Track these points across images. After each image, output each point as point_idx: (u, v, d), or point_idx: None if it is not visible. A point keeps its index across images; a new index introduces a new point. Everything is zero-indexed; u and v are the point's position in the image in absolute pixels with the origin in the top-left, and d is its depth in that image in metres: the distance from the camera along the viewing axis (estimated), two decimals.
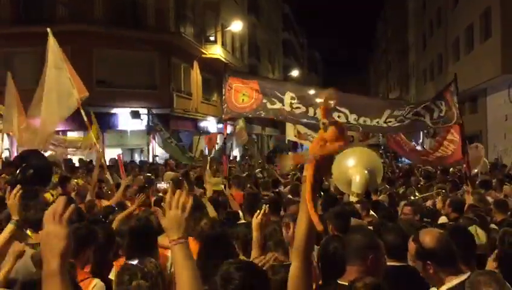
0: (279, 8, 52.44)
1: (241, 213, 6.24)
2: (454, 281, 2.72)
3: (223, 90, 8.33)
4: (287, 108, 8.03)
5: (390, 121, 7.69)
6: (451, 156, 9.06)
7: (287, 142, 18.85)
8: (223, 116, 8.53)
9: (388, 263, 3.49)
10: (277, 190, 9.29)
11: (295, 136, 13.38)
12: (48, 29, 8.74)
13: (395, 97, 55.71)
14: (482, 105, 25.42)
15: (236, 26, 28.56)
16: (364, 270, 2.77)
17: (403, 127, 8.03)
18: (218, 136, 19.16)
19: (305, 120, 8.09)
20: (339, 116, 7.57)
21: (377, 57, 75.02)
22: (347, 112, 7.64)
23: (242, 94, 8.24)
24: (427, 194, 8.88)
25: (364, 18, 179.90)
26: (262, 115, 8.44)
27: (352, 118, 7.61)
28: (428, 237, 2.84)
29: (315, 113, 7.73)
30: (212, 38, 28.10)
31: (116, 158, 11.66)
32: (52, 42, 8.70)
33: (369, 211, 6.32)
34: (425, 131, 15.26)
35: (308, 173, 2.08)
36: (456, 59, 28.15)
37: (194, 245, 4.10)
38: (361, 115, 7.66)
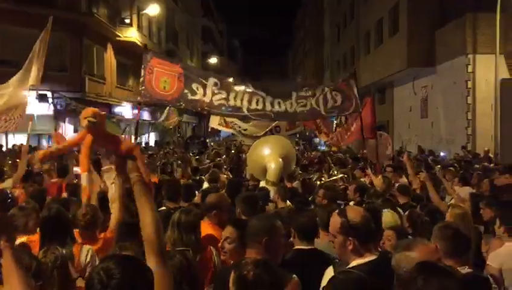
0: None
1: None
2: (367, 258, 2.83)
3: (142, 71, 8.05)
4: (207, 99, 8.10)
5: (299, 103, 8.50)
6: (354, 133, 10.44)
7: (210, 129, 18.93)
8: (139, 98, 8.28)
9: (297, 247, 3.62)
10: (197, 178, 9.19)
11: (219, 124, 13.39)
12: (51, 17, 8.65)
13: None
14: (389, 96, 26.98)
15: (153, 9, 27.76)
16: (262, 253, 2.84)
17: (305, 113, 8.83)
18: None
19: (222, 109, 8.27)
20: (257, 100, 8.21)
21: (296, 46, 76.56)
22: (264, 94, 8.30)
23: (164, 81, 8.06)
24: (332, 178, 9.29)
25: (285, 6, 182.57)
26: (182, 106, 8.41)
27: (268, 100, 8.29)
28: (354, 213, 2.90)
29: (235, 101, 8.23)
30: (127, 21, 27.10)
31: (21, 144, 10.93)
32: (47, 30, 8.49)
33: (285, 198, 6.43)
34: (336, 120, 16.42)
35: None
36: (367, 52, 29.54)
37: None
38: (276, 97, 8.38)
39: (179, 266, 3.07)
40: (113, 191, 5.17)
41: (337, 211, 3.02)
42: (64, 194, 6.70)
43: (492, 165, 12.73)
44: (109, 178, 5.28)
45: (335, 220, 2.93)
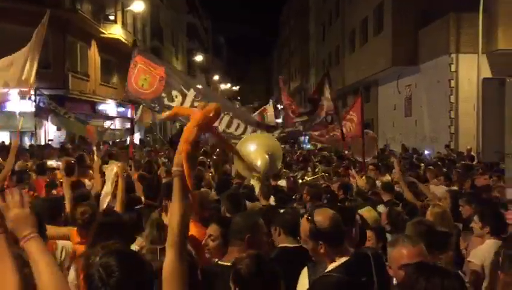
0: None
1: None
2: (342, 259, 2.84)
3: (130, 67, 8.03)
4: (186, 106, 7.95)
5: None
6: (349, 133, 10.31)
7: None
8: (124, 94, 8.25)
9: (282, 244, 3.63)
10: None
11: None
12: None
13: (296, 87, 57.63)
14: (374, 95, 27.20)
15: (138, 6, 27.53)
16: (244, 250, 2.85)
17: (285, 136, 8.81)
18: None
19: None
20: (237, 125, 8.12)
21: (281, 44, 76.64)
22: (244, 125, 8.16)
23: (143, 78, 7.88)
24: (314, 177, 9.34)
25: (271, 3, 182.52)
26: (156, 109, 8.25)
27: (249, 129, 8.15)
28: (322, 217, 2.87)
29: None
30: (111, 18, 26.81)
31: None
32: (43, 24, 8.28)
33: (268, 196, 6.44)
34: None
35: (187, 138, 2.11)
36: (352, 51, 29.72)
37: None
38: (258, 129, 8.34)
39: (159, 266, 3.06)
40: (108, 187, 5.19)
41: (306, 215, 2.99)
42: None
43: (475, 163, 12.93)
44: (109, 174, 5.29)
45: (304, 226, 2.92)
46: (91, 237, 3.46)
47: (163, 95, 7.83)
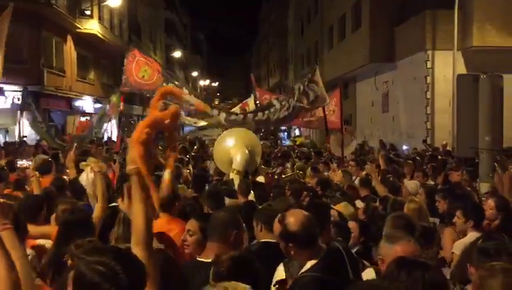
0: None
1: None
2: (313, 261, 2.84)
3: (125, 60, 8.24)
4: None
5: (283, 107, 8.67)
6: (331, 122, 10.39)
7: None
8: (121, 87, 8.50)
9: (263, 239, 3.65)
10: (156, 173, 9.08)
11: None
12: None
13: (275, 83, 57.66)
14: (352, 91, 27.41)
15: (114, 1, 27.11)
16: (225, 247, 2.85)
17: (290, 115, 8.95)
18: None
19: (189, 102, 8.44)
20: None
21: (260, 40, 76.55)
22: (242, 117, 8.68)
23: (144, 70, 8.36)
24: (290, 174, 9.35)
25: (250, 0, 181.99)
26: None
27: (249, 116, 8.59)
28: (292, 220, 2.86)
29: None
30: (88, 13, 26.40)
31: None
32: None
33: (246, 192, 6.43)
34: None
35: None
36: (330, 47, 29.88)
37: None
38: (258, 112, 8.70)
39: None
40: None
41: (278, 216, 2.97)
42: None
43: (451, 158, 13.15)
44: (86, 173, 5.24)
45: (276, 227, 2.94)
46: (56, 235, 3.43)
47: (164, 84, 8.14)
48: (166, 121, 2.16)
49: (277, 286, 2.98)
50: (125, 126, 19.37)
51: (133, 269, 1.72)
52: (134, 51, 8.45)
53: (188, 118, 11.54)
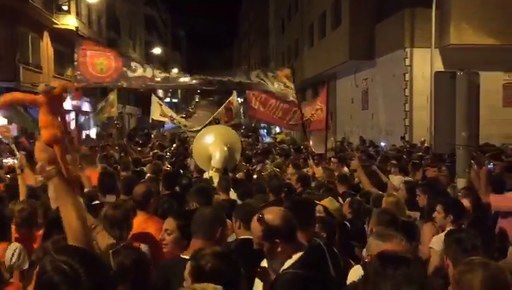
0: None
1: None
2: (298, 254, 2.81)
3: (75, 55, 7.86)
4: (148, 74, 7.96)
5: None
6: (316, 122, 10.35)
7: (151, 121, 18.29)
8: (75, 83, 8.13)
9: (242, 236, 3.62)
10: (138, 169, 8.98)
11: (160, 115, 13.07)
12: None
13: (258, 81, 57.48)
14: (332, 88, 27.51)
15: None
16: (210, 244, 2.82)
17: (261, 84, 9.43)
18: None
19: (164, 86, 8.36)
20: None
21: (241, 37, 76.34)
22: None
23: (100, 63, 7.92)
24: (269, 171, 9.33)
25: None
26: (124, 86, 8.25)
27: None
28: (272, 216, 2.80)
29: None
30: (65, 8, 25.95)
31: None
32: None
33: (227, 189, 6.39)
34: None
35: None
36: (311, 44, 29.99)
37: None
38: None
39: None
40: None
41: (255, 217, 2.87)
42: None
43: (425, 154, 13.31)
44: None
45: (256, 228, 2.82)
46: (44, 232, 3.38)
47: (125, 69, 7.88)
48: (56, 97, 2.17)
49: (260, 269, 2.95)
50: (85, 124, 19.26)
51: (97, 274, 1.64)
52: (84, 44, 8.00)
53: (183, 121, 11.43)
